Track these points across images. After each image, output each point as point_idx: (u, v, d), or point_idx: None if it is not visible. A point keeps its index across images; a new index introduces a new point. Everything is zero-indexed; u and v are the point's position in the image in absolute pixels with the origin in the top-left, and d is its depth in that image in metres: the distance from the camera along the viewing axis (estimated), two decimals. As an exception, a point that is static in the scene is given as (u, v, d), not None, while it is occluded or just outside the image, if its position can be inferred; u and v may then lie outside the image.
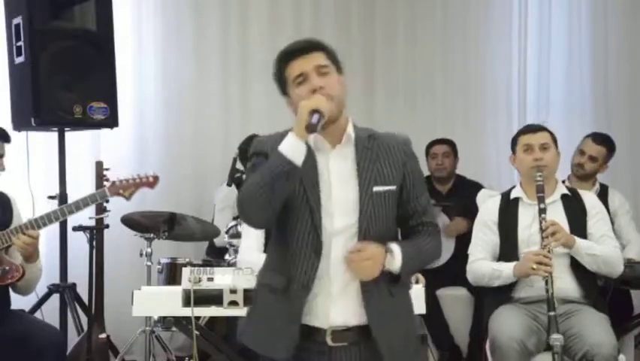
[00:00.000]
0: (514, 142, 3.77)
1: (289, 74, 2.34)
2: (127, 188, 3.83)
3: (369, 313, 2.33)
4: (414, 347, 2.48)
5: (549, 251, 3.40)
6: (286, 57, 2.35)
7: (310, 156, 2.30)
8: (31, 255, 3.60)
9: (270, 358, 2.36)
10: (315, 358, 2.34)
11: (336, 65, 2.37)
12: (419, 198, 2.41)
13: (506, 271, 3.56)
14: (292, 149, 2.22)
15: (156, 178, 3.89)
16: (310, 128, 2.23)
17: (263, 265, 2.49)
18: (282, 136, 2.31)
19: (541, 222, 3.48)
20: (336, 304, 2.32)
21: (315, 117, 2.22)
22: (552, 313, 3.28)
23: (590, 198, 3.79)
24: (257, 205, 2.24)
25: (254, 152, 2.38)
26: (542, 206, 3.51)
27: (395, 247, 2.31)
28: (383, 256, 2.29)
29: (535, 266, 3.39)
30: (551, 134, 3.71)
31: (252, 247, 3.75)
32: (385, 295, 2.35)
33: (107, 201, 4.04)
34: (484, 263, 3.66)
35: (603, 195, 4.40)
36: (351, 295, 2.33)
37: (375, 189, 2.32)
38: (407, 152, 2.41)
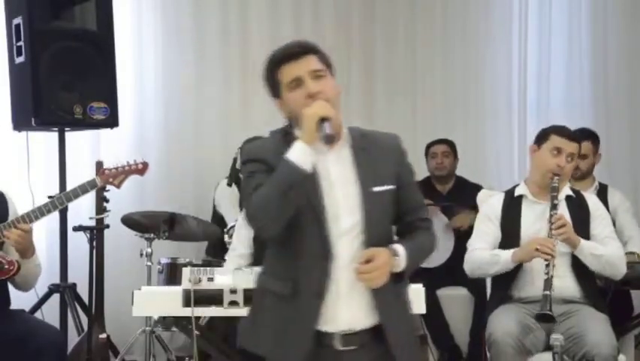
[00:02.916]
0: (544, 135, 3.70)
1: (282, 78, 2.32)
2: (117, 176, 3.82)
3: (381, 314, 2.32)
4: (417, 346, 2.49)
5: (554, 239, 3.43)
6: (279, 61, 2.32)
7: None
8: (25, 250, 3.56)
9: None
10: None
11: (329, 68, 2.35)
12: (415, 194, 2.44)
13: (504, 256, 3.55)
14: (302, 157, 2.21)
15: (145, 165, 3.89)
16: (328, 140, 2.22)
17: (262, 271, 2.46)
18: (275, 141, 2.33)
19: (551, 216, 3.49)
20: (343, 307, 2.30)
21: (328, 127, 2.21)
22: (547, 293, 3.30)
23: (593, 199, 3.80)
24: (274, 216, 2.21)
25: (250, 158, 2.34)
26: (555, 202, 3.53)
27: (400, 249, 2.32)
28: (391, 262, 2.28)
29: (539, 247, 3.40)
30: (579, 145, 3.70)
31: (241, 256, 3.87)
32: (392, 296, 2.35)
33: (107, 201, 4.04)
34: (482, 252, 3.65)
35: (602, 193, 4.40)
36: (358, 296, 2.31)
37: (375, 189, 2.32)
38: (400, 149, 2.43)
